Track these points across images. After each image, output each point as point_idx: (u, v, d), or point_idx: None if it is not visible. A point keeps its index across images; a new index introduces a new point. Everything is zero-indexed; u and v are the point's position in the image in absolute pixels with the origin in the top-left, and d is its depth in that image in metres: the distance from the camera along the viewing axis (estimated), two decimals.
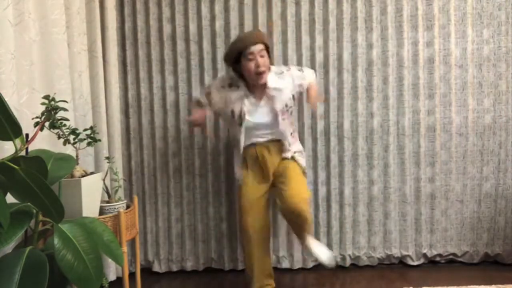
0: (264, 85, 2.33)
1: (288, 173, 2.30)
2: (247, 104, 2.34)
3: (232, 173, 2.81)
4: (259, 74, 2.26)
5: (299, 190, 2.22)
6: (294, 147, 2.44)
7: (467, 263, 2.83)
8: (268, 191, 2.43)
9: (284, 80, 2.37)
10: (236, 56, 2.30)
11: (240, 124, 2.34)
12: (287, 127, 2.39)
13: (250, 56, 2.25)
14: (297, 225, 2.27)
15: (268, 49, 2.33)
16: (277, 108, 2.33)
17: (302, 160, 2.47)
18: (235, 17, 2.77)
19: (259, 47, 2.25)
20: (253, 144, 2.40)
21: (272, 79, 2.34)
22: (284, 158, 2.41)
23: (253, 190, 2.37)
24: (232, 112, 2.35)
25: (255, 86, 2.34)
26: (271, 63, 2.39)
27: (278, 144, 2.41)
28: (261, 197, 2.38)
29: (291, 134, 2.43)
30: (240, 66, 2.31)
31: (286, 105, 2.35)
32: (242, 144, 2.39)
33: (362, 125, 2.79)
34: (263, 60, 2.26)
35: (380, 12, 2.76)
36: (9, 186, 1.29)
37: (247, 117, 2.33)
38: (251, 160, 2.41)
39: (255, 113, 2.34)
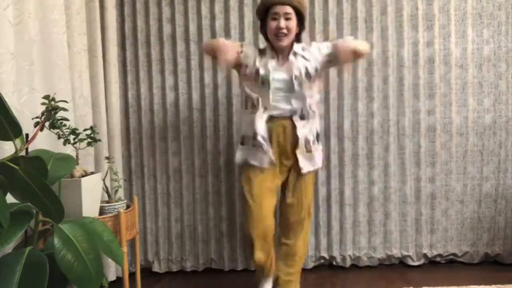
0: (288, 50, 2.20)
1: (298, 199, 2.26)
2: (271, 66, 2.19)
3: (232, 173, 2.82)
4: (278, 36, 2.15)
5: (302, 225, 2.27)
6: (312, 123, 2.26)
7: (467, 263, 2.83)
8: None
9: (309, 51, 2.24)
10: (264, 13, 2.21)
11: (263, 83, 2.17)
12: (305, 96, 2.20)
13: (274, 16, 2.14)
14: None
15: (301, 15, 2.18)
16: (295, 72, 2.16)
17: (319, 160, 2.32)
18: (235, 17, 2.77)
19: (286, 9, 2.12)
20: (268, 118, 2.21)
21: (298, 47, 2.23)
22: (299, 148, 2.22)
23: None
24: (257, 71, 2.18)
25: (279, 50, 2.20)
26: (300, 31, 2.23)
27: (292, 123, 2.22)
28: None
29: (310, 107, 2.23)
30: (266, 25, 2.20)
31: (307, 74, 2.18)
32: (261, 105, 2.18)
33: (362, 125, 2.78)
34: (286, 23, 2.13)
35: (380, 12, 2.75)
36: (9, 186, 1.29)
37: (271, 75, 2.16)
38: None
39: (276, 74, 2.18)
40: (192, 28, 2.79)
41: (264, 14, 2.21)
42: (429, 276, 2.66)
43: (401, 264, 2.86)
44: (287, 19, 2.14)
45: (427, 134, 2.80)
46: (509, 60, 2.74)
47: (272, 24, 2.15)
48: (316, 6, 2.75)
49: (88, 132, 1.96)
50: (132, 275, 2.50)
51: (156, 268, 2.89)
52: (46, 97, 1.66)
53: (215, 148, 2.83)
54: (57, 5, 2.04)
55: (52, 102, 1.65)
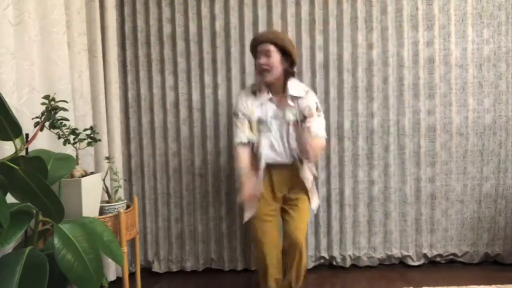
0: (282, 89, 2.27)
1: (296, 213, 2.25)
2: (269, 109, 2.26)
3: (232, 173, 2.81)
4: (260, 72, 2.24)
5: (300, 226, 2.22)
6: (308, 167, 2.29)
7: (467, 263, 2.83)
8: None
9: (305, 97, 2.26)
10: (254, 52, 2.33)
11: (259, 130, 2.25)
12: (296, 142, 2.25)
13: (258, 54, 2.26)
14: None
15: (285, 51, 2.23)
16: (288, 119, 2.23)
17: (316, 198, 2.35)
18: (235, 17, 2.77)
19: (266, 46, 2.23)
20: (268, 166, 2.26)
21: (293, 88, 2.27)
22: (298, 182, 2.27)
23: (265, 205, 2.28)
24: (259, 119, 2.26)
25: (274, 90, 2.27)
26: (292, 67, 2.28)
27: (292, 168, 2.27)
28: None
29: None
30: None
31: (302, 119, 2.23)
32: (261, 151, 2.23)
33: (362, 125, 2.78)
34: (266, 59, 2.22)
35: (380, 12, 2.75)
36: (9, 186, 1.29)
37: (268, 119, 2.24)
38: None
39: (274, 119, 2.25)
40: (192, 28, 2.79)
41: (254, 53, 2.33)
42: (429, 276, 2.66)
43: (401, 264, 2.86)
44: (267, 56, 2.22)
45: (427, 134, 2.80)
46: (509, 60, 2.74)
47: (256, 62, 2.29)
48: (316, 6, 2.75)
49: (88, 132, 1.96)
50: (132, 275, 2.50)
51: (156, 268, 2.89)
52: (46, 97, 1.66)
53: (215, 148, 2.83)
54: (57, 5, 2.04)
55: (52, 102, 1.65)
